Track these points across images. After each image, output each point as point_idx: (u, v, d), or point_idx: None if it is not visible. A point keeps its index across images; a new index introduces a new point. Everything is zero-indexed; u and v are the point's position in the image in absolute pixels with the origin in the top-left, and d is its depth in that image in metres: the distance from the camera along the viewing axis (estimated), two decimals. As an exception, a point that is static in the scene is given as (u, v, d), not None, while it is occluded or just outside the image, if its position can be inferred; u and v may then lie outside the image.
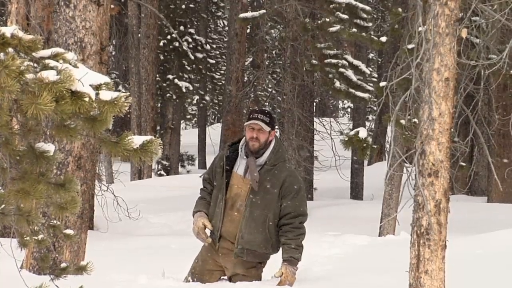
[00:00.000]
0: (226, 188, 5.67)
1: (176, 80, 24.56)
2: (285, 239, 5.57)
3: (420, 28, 4.10)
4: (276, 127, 5.87)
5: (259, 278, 5.73)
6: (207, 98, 28.29)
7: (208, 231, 5.75)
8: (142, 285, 5.68)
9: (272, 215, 5.61)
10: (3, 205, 3.31)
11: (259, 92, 22.11)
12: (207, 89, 28.33)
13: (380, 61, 27.02)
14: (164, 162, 25.58)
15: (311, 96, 15.43)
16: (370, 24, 12.88)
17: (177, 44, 24.15)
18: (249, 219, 5.59)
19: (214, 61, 28.72)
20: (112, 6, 8.24)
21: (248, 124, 5.67)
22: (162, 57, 24.33)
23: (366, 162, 21.45)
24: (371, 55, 31.78)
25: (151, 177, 20.81)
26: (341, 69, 13.50)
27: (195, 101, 29.66)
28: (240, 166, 5.70)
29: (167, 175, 24.78)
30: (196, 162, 29.95)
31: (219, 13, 30.87)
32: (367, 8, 13.11)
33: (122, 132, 3.23)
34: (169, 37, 24.15)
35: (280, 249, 5.70)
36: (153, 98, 20.40)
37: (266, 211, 5.60)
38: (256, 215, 5.59)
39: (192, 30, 25.90)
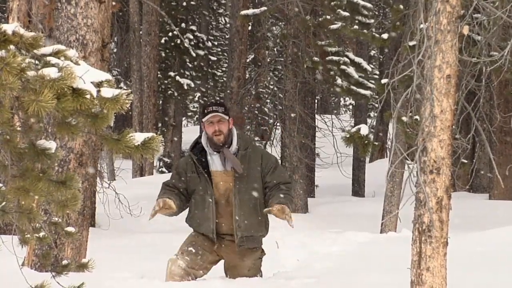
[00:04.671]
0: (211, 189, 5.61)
1: (177, 77, 24.55)
2: (273, 194, 5.52)
3: (421, 25, 4.09)
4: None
5: (260, 270, 5.76)
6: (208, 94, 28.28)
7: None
8: (143, 282, 5.68)
9: (260, 196, 5.62)
10: (4, 203, 3.31)
11: (261, 89, 22.07)
12: (209, 86, 28.31)
13: (382, 58, 26.98)
14: (166, 159, 25.59)
15: (312, 93, 15.43)
16: (372, 21, 12.88)
17: (178, 41, 24.12)
18: (241, 206, 5.57)
19: (215, 58, 28.69)
20: (113, 3, 8.24)
21: (206, 120, 5.58)
22: (163, 54, 24.32)
23: (367, 159, 21.44)
24: (372, 52, 31.74)
25: (152, 174, 20.81)
26: (343, 66, 13.50)
27: (196, 98, 29.66)
28: (214, 163, 5.64)
29: (169, 172, 24.78)
30: (198, 159, 29.88)
31: (221, 10, 30.84)
32: (369, 5, 13.11)
33: (123, 129, 3.22)
34: (170, 34, 24.13)
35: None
36: (155, 95, 20.40)
37: (254, 193, 5.61)
38: (246, 200, 5.58)
39: (193, 27, 25.89)
